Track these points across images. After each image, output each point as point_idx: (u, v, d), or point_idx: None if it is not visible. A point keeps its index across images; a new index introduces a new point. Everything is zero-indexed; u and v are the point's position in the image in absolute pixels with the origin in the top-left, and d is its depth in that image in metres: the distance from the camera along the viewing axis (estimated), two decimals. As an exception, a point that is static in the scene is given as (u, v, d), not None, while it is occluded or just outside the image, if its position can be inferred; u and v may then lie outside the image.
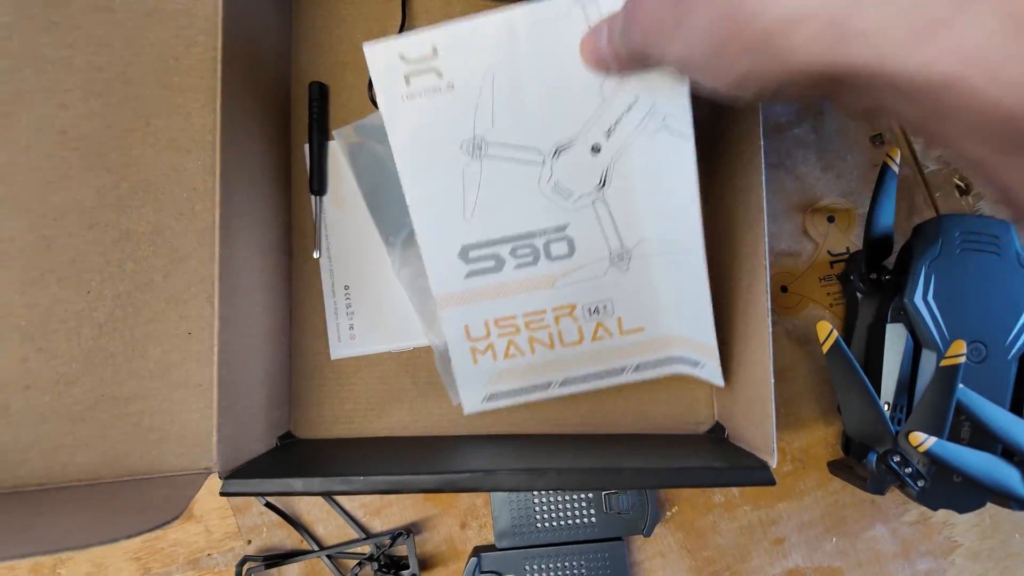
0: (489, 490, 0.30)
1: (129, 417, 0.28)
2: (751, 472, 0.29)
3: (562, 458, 0.33)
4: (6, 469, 0.26)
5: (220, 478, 0.29)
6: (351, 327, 0.39)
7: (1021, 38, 0.13)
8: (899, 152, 0.35)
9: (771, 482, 0.29)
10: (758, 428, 0.31)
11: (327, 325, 0.39)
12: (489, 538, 0.37)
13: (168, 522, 0.23)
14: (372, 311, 0.39)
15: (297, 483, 0.29)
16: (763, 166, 0.30)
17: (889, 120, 0.18)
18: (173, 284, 0.29)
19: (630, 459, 0.33)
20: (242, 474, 0.30)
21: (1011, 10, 0.13)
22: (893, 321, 0.33)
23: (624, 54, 0.24)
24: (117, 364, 0.28)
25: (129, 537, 0.22)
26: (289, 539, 0.37)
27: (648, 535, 0.36)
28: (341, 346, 0.39)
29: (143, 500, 0.25)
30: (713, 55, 0.19)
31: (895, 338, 0.33)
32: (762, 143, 0.30)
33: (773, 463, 0.29)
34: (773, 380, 0.29)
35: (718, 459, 0.31)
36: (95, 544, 0.21)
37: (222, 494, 0.29)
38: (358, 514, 0.38)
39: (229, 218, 0.31)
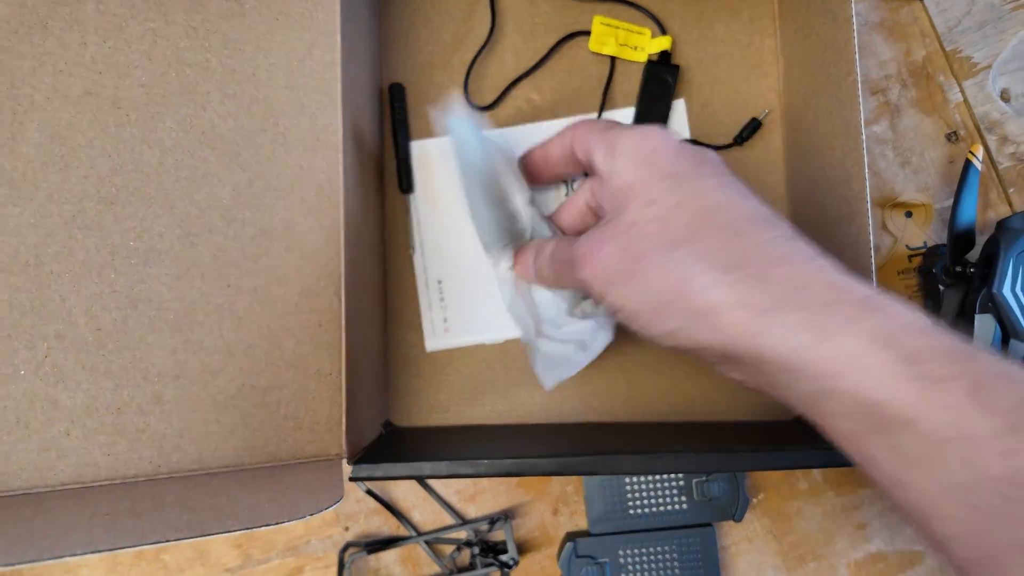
0: (609, 472, 0.32)
1: (267, 406, 0.30)
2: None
3: (663, 443, 0.35)
4: (162, 455, 0.28)
5: (348, 464, 0.31)
6: (445, 320, 0.41)
7: (882, 353, 0.19)
8: (981, 148, 0.37)
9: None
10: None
11: (422, 318, 0.41)
12: (580, 524, 0.39)
13: (339, 499, 0.25)
14: (465, 304, 0.41)
15: (425, 466, 0.31)
16: (864, 156, 0.32)
17: (770, 393, 0.25)
18: (305, 278, 0.31)
19: (736, 444, 0.35)
20: (364, 460, 0.31)
21: (874, 333, 0.20)
22: (981, 312, 0.35)
23: (551, 277, 0.30)
24: (256, 355, 0.30)
25: (311, 515, 0.23)
26: (386, 525, 0.39)
27: (739, 520, 0.38)
28: (436, 338, 0.41)
29: (298, 484, 0.27)
30: (652, 310, 0.23)
31: (984, 328, 0.35)
32: (863, 135, 0.32)
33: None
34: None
35: (816, 443, 0.33)
36: (285, 520, 0.23)
37: (352, 479, 0.30)
38: (453, 500, 0.39)
39: (351, 215, 0.32)
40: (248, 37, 0.31)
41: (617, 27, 0.40)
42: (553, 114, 0.41)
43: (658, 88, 0.40)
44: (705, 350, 0.23)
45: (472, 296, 0.41)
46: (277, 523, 0.23)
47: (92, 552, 0.20)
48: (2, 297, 0.26)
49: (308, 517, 0.23)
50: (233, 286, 0.30)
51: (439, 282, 0.41)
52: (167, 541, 0.21)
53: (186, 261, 0.29)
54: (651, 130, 0.25)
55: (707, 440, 0.36)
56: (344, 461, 0.31)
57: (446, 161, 0.41)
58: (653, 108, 0.40)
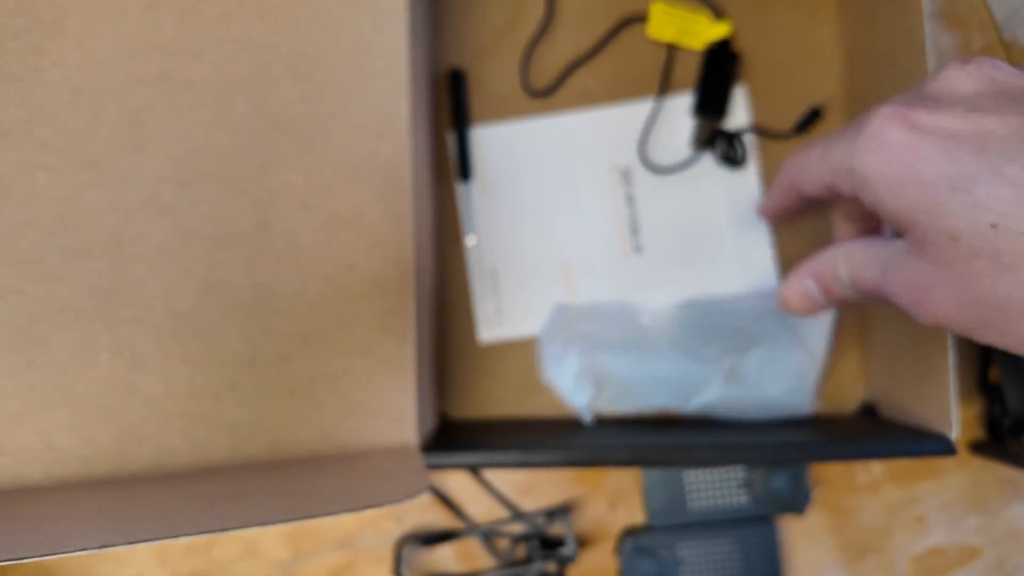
0: (681, 464, 0.32)
1: (340, 393, 0.30)
2: (929, 442, 0.32)
3: (733, 436, 0.36)
4: (238, 443, 0.29)
5: (420, 451, 0.32)
6: (499, 312, 0.41)
7: None
8: None
9: (952, 451, 0.32)
10: (930, 399, 0.33)
11: (475, 308, 0.41)
12: (637, 519, 0.40)
13: (425, 488, 0.25)
14: (519, 295, 0.41)
15: (497, 455, 0.32)
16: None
17: None
18: (373, 265, 0.31)
19: (796, 437, 0.35)
20: (431, 448, 0.32)
21: None
22: None
23: (852, 298, 0.29)
24: (328, 342, 0.30)
25: (408, 499, 0.24)
26: (439, 519, 0.40)
27: (801, 512, 0.38)
28: (490, 329, 0.41)
29: (382, 470, 0.27)
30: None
31: None
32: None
33: (952, 434, 0.32)
34: (952, 351, 0.31)
35: (888, 434, 0.34)
36: (385, 504, 0.23)
37: (428, 467, 0.31)
38: (508, 494, 0.40)
39: (418, 203, 0.33)
40: (318, 20, 0.32)
41: (675, 13, 0.41)
42: (608, 100, 0.42)
43: (718, 76, 0.41)
44: None
45: (527, 287, 0.41)
46: (376, 506, 0.23)
47: (201, 533, 0.20)
48: (83, 280, 0.27)
49: (406, 501, 0.24)
50: (306, 272, 0.30)
51: (493, 273, 0.42)
52: (273, 523, 0.21)
53: (259, 246, 0.30)
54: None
55: (776, 431, 0.37)
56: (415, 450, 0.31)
57: (501, 149, 0.42)
58: (714, 95, 0.40)
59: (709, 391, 0.38)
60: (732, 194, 0.41)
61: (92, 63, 0.28)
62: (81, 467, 0.26)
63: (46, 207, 0.27)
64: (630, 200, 0.42)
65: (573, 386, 0.38)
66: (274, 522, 0.21)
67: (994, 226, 0.19)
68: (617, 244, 0.41)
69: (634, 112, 0.42)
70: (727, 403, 0.38)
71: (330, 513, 0.23)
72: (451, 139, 0.41)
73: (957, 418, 0.32)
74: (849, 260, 0.27)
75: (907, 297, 0.24)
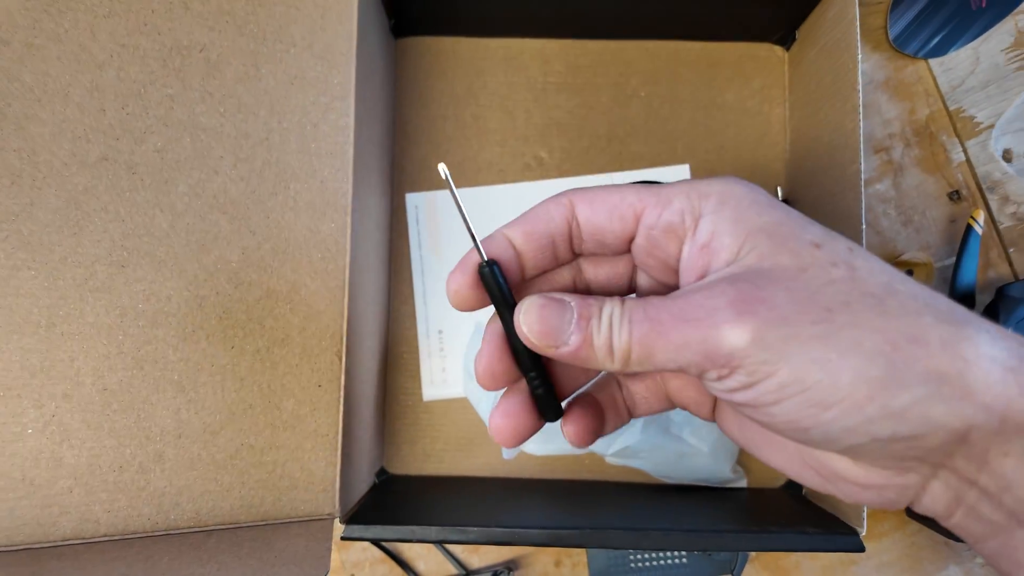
0: (597, 546, 0.32)
1: (264, 466, 0.30)
2: (841, 538, 0.31)
3: (650, 513, 0.36)
4: (161, 512, 0.28)
5: (340, 523, 0.31)
6: (443, 369, 0.41)
7: None
8: (982, 213, 0.37)
9: (860, 549, 0.31)
10: (845, 495, 0.33)
11: (420, 367, 0.41)
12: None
13: (323, 575, 0.25)
14: (463, 355, 0.41)
15: (416, 530, 0.31)
16: (863, 232, 0.32)
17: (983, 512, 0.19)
18: (307, 339, 0.31)
19: (718, 516, 0.35)
20: (357, 519, 0.32)
21: None
22: None
23: (635, 350, 0.19)
24: (255, 415, 0.30)
25: (299, 593, 0.24)
26: (391, 574, 0.40)
27: (739, 575, 0.38)
28: (434, 387, 0.41)
29: (290, 551, 0.27)
30: (867, 382, 0.17)
31: None
32: (864, 225, 0.32)
33: (863, 531, 0.31)
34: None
35: (805, 521, 0.34)
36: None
37: (343, 539, 0.31)
38: (456, 550, 0.40)
39: (355, 274, 0.33)
40: (263, 101, 0.31)
41: None
42: (560, 172, 0.42)
43: None
44: (928, 435, 0.17)
45: (471, 347, 0.41)
46: (266, 603, 0.23)
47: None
48: (14, 358, 0.27)
49: (297, 595, 0.24)
50: (237, 347, 0.30)
51: (440, 332, 0.41)
52: (158, 622, 0.21)
53: (192, 323, 0.30)
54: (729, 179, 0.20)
55: (700, 507, 0.37)
56: (337, 520, 0.31)
57: (451, 213, 0.41)
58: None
59: (629, 434, 0.37)
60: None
61: (32, 147, 0.27)
62: (1, 537, 0.26)
63: (-21, 287, 0.27)
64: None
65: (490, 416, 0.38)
66: (160, 622, 0.21)
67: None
68: None
69: (585, 184, 0.42)
70: (647, 451, 0.37)
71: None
72: (408, 203, 0.41)
73: (865, 516, 0.31)
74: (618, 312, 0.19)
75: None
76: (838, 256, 0.18)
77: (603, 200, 0.20)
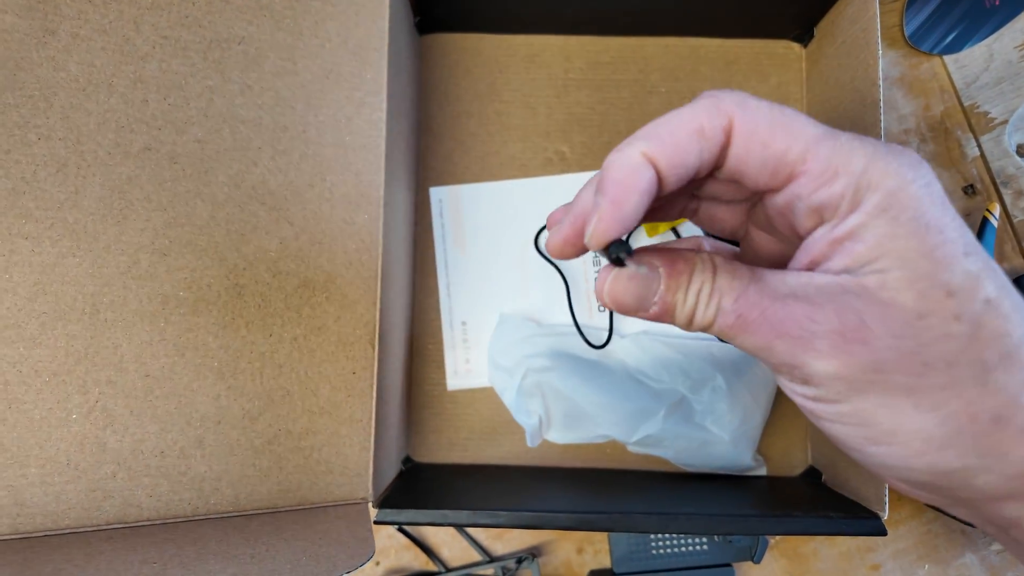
0: (623, 530, 0.32)
1: (302, 451, 0.31)
2: (863, 522, 0.32)
3: (673, 499, 0.36)
4: (201, 497, 0.29)
5: (374, 507, 0.32)
6: (467, 360, 0.42)
7: None
8: (997, 206, 0.38)
9: (883, 532, 0.32)
10: (868, 477, 0.33)
11: (445, 357, 0.41)
12: (603, 562, 0.40)
13: (370, 556, 0.26)
14: (488, 345, 0.41)
15: (448, 514, 0.32)
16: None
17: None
18: (342, 328, 0.32)
19: (740, 502, 0.36)
20: (386, 503, 0.32)
21: None
22: None
23: (713, 328, 0.19)
24: (293, 401, 0.31)
25: (347, 573, 0.24)
26: (416, 561, 0.40)
27: (758, 562, 0.39)
28: (458, 378, 0.41)
29: (332, 533, 0.27)
30: (940, 439, 0.17)
31: None
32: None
33: (884, 514, 0.32)
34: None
35: (826, 506, 0.34)
36: (324, 579, 0.23)
37: (376, 523, 0.31)
38: (481, 537, 0.40)
39: (387, 266, 0.33)
40: (299, 95, 0.32)
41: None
42: (581, 167, 0.42)
43: None
44: (962, 491, 0.17)
45: (497, 337, 0.42)
46: (318, 581, 0.23)
47: (145, 608, 0.21)
48: (59, 344, 0.27)
49: (343, 575, 0.24)
50: (275, 335, 0.31)
51: (463, 323, 0.42)
52: (215, 599, 0.21)
53: (232, 311, 0.30)
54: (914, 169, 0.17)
55: (721, 493, 0.37)
56: (370, 504, 0.32)
57: (479, 207, 0.42)
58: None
59: (652, 423, 0.38)
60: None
61: (77, 136, 0.28)
62: (48, 521, 0.26)
63: (26, 274, 0.27)
64: (598, 262, 0.42)
65: (516, 404, 0.38)
66: (216, 599, 0.22)
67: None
68: (584, 303, 0.42)
69: None
70: (669, 439, 0.38)
71: (273, 587, 0.23)
72: (432, 197, 0.42)
73: (887, 500, 0.32)
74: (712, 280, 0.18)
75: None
76: (968, 309, 0.16)
77: (762, 144, 0.17)
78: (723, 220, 0.22)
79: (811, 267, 0.18)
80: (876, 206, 0.16)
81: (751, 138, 0.17)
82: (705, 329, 0.19)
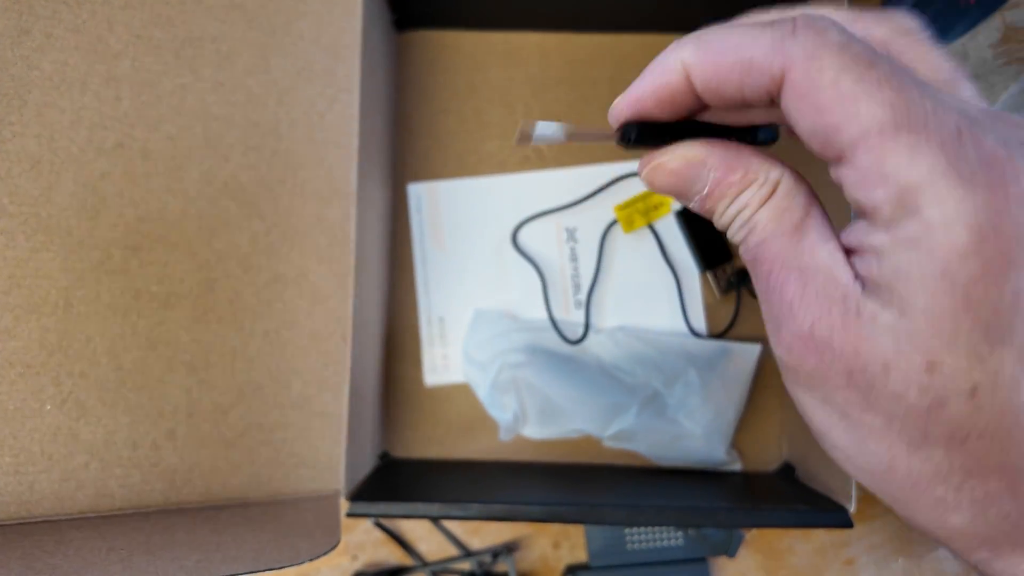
0: (593, 522, 0.33)
1: (273, 444, 0.31)
2: (830, 515, 0.33)
3: (646, 492, 0.37)
4: (173, 488, 0.30)
5: (346, 500, 0.32)
6: (444, 356, 0.42)
7: None
8: None
9: (849, 525, 0.32)
10: (836, 470, 0.34)
11: (422, 354, 0.42)
12: (580, 557, 0.41)
13: (334, 545, 0.26)
14: (464, 341, 0.42)
15: (419, 507, 0.32)
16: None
17: None
18: (314, 323, 0.32)
19: (713, 496, 0.36)
20: (360, 496, 0.33)
21: None
22: None
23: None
24: (265, 395, 0.31)
25: (310, 560, 0.25)
26: (392, 555, 0.41)
27: (732, 556, 0.39)
28: (436, 374, 0.42)
29: (299, 523, 0.28)
30: None
31: None
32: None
33: (851, 507, 0.32)
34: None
35: (797, 500, 0.35)
36: (287, 565, 0.24)
37: (349, 515, 0.32)
38: (457, 532, 0.41)
39: (360, 262, 0.34)
40: (272, 92, 0.32)
41: (631, 204, 0.41)
42: (558, 164, 0.43)
43: (701, 227, 0.41)
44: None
45: (471, 334, 0.42)
46: (280, 567, 0.24)
47: (108, 592, 0.21)
48: (33, 337, 0.28)
49: (307, 561, 0.25)
50: (246, 329, 0.31)
51: (441, 319, 0.43)
52: (177, 584, 0.22)
53: (204, 305, 0.31)
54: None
55: (695, 488, 0.38)
56: (343, 497, 0.32)
57: (456, 203, 0.43)
58: (712, 246, 0.41)
59: (625, 417, 0.38)
60: (674, 261, 0.42)
61: (51, 134, 0.29)
62: (21, 510, 0.27)
63: (0, 268, 0.28)
64: (575, 258, 0.42)
65: (490, 399, 0.39)
66: (179, 584, 0.22)
67: None
68: (560, 299, 0.42)
69: (584, 174, 0.43)
70: (642, 433, 0.39)
71: (239, 572, 0.24)
72: (409, 194, 0.42)
73: (854, 494, 0.32)
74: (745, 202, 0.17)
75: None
76: (967, 384, 0.14)
77: (815, 110, 0.15)
78: None
79: (848, 250, 0.16)
80: (908, 237, 0.14)
81: (803, 99, 0.15)
82: (737, 244, 0.18)
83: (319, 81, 0.33)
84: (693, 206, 0.18)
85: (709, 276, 0.41)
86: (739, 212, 0.17)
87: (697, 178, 0.17)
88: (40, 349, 0.28)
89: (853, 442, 0.17)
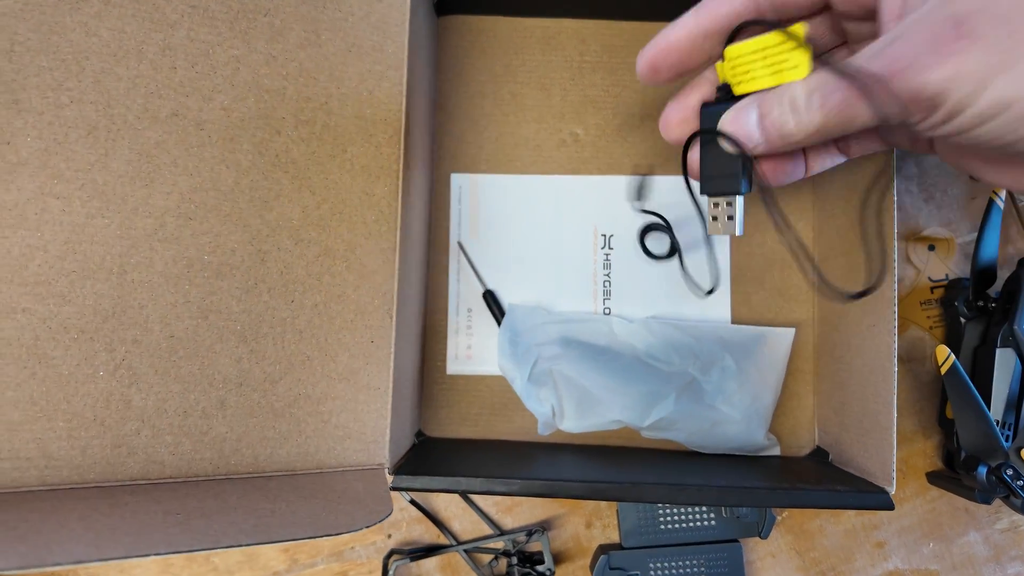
0: (634, 500, 0.33)
1: (320, 415, 0.31)
2: (871, 495, 0.32)
3: (683, 473, 0.36)
4: (222, 457, 0.29)
5: (389, 473, 0.32)
6: (468, 347, 0.42)
7: None
8: (1004, 189, 0.38)
9: (890, 507, 0.32)
10: (874, 454, 0.34)
11: (448, 342, 0.42)
12: (612, 537, 0.41)
13: (388, 513, 0.26)
14: (491, 335, 0.41)
15: (462, 481, 0.32)
16: (895, 204, 0.33)
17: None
18: (361, 297, 0.32)
19: (749, 478, 0.36)
20: (401, 471, 0.33)
21: None
22: (1003, 346, 0.36)
23: (820, 121, 0.22)
24: (313, 367, 0.31)
25: (366, 527, 0.25)
26: (426, 534, 0.40)
27: (765, 537, 0.39)
28: (458, 363, 0.42)
29: (349, 493, 0.28)
30: None
31: (1004, 362, 0.37)
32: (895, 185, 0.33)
33: (892, 490, 0.32)
34: (896, 413, 0.32)
35: (835, 482, 0.34)
36: (344, 531, 0.24)
37: (393, 488, 0.32)
38: (491, 511, 0.41)
39: (405, 239, 0.34)
40: (323, 66, 0.32)
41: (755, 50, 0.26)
42: (595, 149, 0.43)
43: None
44: None
45: (504, 327, 0.42)
46: (337, 533, 0.24)
47: (171, 553, 0.21)
48: (88, 302, 0.27)
49: (363, 528, 0.25)
50: (296, 301, 0.31)
51: (469, 310, 0.42)
52: (239, 545, 0.22)
53: (255, 276, 0.30)
54: None
55: (731, 470, 0.38)
56: (386, 471, 0.32)
57: (497, 198, 0.42)
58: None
59: (664, 405, 0.38)
60: (701, 251, 0.42)
61: (108, 101, 0.28)
62: (74, 474, 0.27)
63: (57, 233, 0.27)
64: (608, 264, 0.42)
65: (526, 392, 0.39)
66: (240, 544, 0.22)
67: None
68: (589, 304, 0.42)
69: (623, 184, 0.42)
70: (681, 421, 0.38)
71: (294, 538, 0.23)
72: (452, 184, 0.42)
73: (895, 476, 0.32)
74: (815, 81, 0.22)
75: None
76: None
77: None
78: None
79: (897, 20, 0.20)
80: None
81: None
82: (818, 132, 0.22)
83: (368, 58, 0.33)
84: (759, 148, 0.24)
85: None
86: (792, 102, 0.22)
87: (749, 115, 0.24)
88: (94, 315, 0.28)
89: None
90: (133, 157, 0.29)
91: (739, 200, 0.28)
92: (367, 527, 0.25)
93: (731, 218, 0.28)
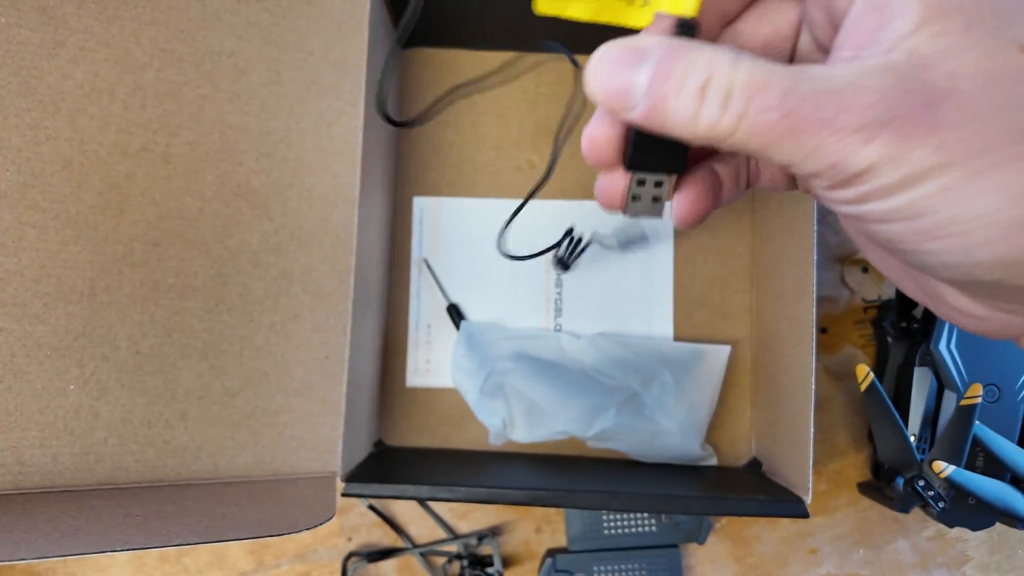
0: (569, 507, 0.35)
1: (276, 427, 0.34)
2: (789, 505, 0.35)
3: (622, 481, 0.39)
4: (183, 464, 0.32)
5: (341, 481, 0.35)
6: (428, 361, 0.44)
7: None
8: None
9: (805, 515, 0.35)
10: (795, 465, 0.36)
11: (407, 356, 0.44)
12: (560, 542, 0.43)
13: (329, 518, 0.29)
14: (449, 350, 0.44)
15: (409, 489, 0.35)
16: (815, 233, 0.35)
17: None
18: (316, 316, 0.35)
19: (683, 487, 0.38)
20: (356, 478, 0.35)
21: None
22: (920, 365, 0.39)
23: (758, 133, 0.15)
24: (270, 381, 0.34)
25: (307, 529, 0.27)
26: (385, 538, 0.43)
27: (702, 543, 0.41)
28: (417, 376, 0.44)
29: (298, 499, 0.30)
30: (1010, 222, 0.14)
31: (922, 380, 0.39)
32: (815, 217, 0.35)
33: (807, 499, 0.35)
34: (813, 429, 0.34)
35: (760, 491, 0.37)
36: (286, 532, 0.26)
37: (344, 495, 0.34)
38: (447, 516, 0.43)
39: (361, 262, 0.36)
40: (284, 103, 0.35)
41: None
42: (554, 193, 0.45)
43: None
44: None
45: (458, 342, 0.44)
46: (279, 534, 0.26)
47: (128, 549, 0.24)
48: (60, 322, 0.30)
49: (304, 530, 0.27)
50: (255, 320, 0.34)
51: (428, 326, 0.45)
52: (188, 544, 0.24)
53: (216, 297, 0.33)
54: None
55: (669, 479, 0.40)
56: (339, 479, 0.35)
57: (456, 219, 0.45)
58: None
59: (606, 417, 0.41)
60: (646, 271, 0.44)
61: (81, 137, 0.31)
62: (45, 480, 0.29)
63: (32, 259, 0.30)
64: (559, 283, 0.45)
65: (479, 404, 0.41)
66: (189, 543, 0.25)
67: None
68: (542, 320, 0.44)
69: (577, 208, 0.45)
70: (622, 432, 0.41)
71: (237, 538, 0.26)
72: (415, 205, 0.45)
73: (811, 486, 0.35)
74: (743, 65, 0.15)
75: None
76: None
77: None
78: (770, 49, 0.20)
79: (857, 52, 0.15)
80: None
81: None
82: (719, 136, 0.15)
83: (327, 95, 0.36)
84: (638, 111, 0.16)
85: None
86: (706, 83, 0.15)
87: (641, 64, 0.16)
88: (66, 334, 0.30)
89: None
90: (104, 189, 0.31)
91: (671, 180, 0.22)
92: (307, 529, 0.27)
93: (656, 200, 0.23)
